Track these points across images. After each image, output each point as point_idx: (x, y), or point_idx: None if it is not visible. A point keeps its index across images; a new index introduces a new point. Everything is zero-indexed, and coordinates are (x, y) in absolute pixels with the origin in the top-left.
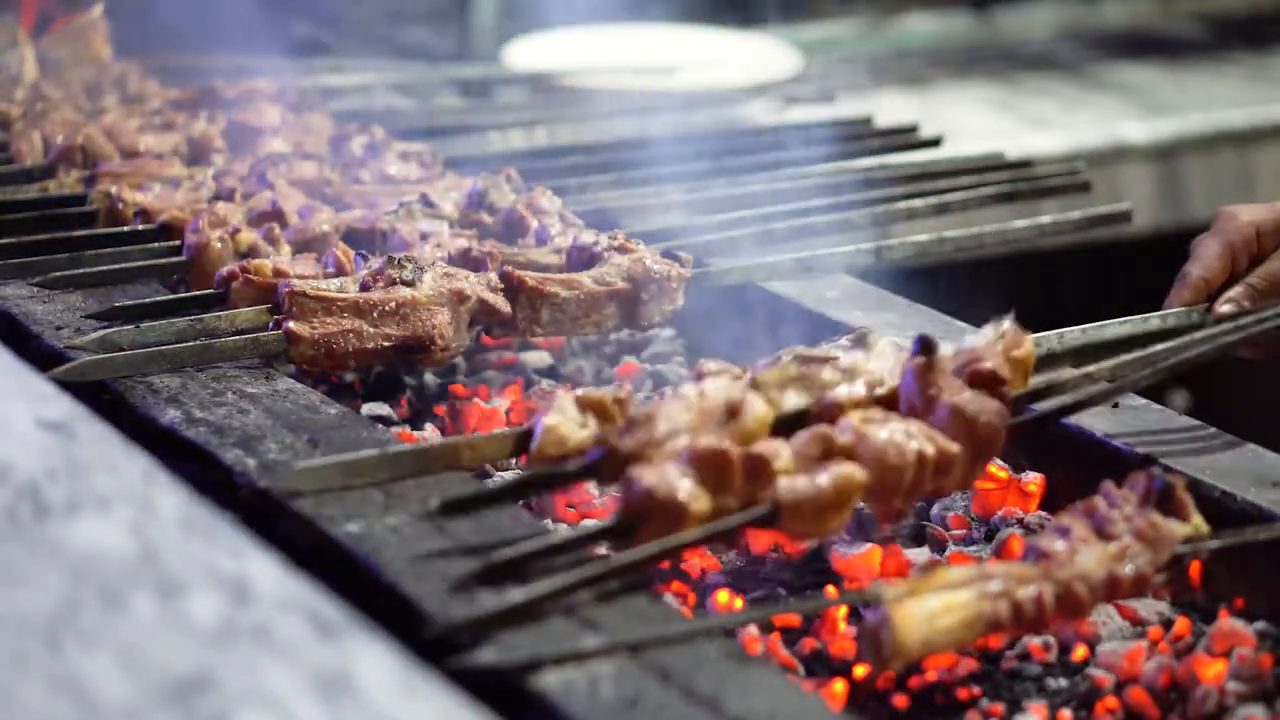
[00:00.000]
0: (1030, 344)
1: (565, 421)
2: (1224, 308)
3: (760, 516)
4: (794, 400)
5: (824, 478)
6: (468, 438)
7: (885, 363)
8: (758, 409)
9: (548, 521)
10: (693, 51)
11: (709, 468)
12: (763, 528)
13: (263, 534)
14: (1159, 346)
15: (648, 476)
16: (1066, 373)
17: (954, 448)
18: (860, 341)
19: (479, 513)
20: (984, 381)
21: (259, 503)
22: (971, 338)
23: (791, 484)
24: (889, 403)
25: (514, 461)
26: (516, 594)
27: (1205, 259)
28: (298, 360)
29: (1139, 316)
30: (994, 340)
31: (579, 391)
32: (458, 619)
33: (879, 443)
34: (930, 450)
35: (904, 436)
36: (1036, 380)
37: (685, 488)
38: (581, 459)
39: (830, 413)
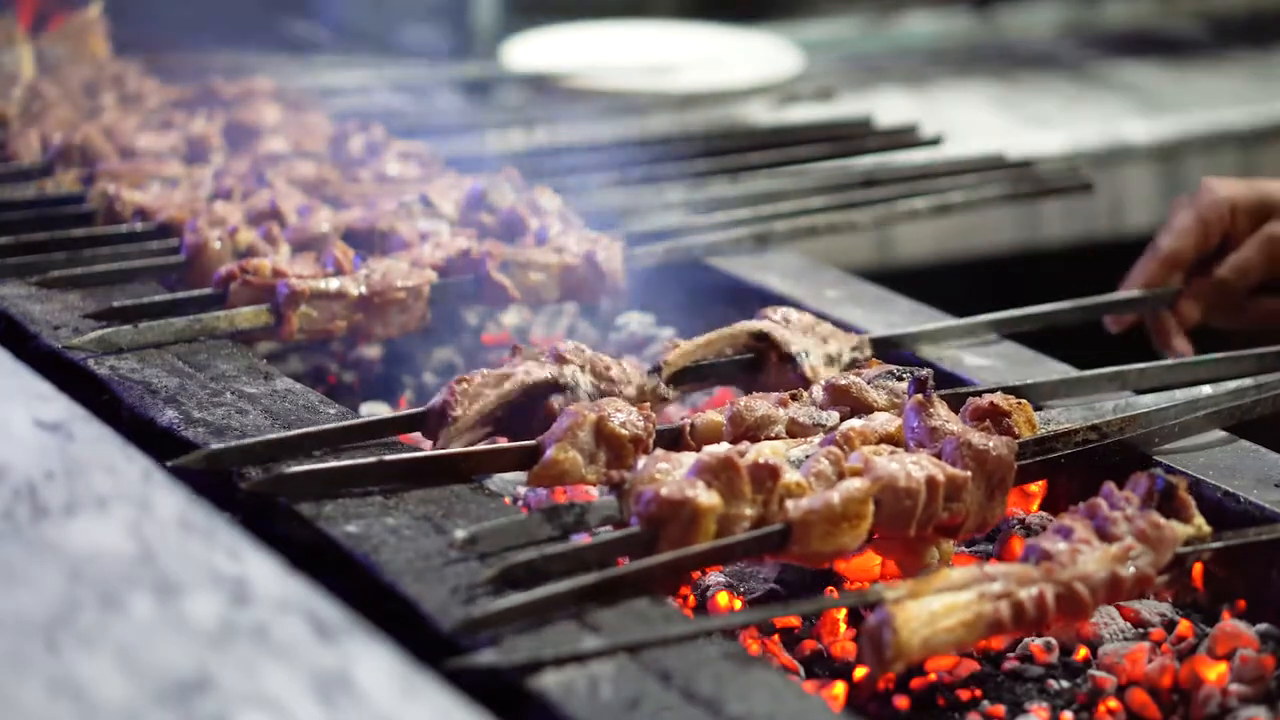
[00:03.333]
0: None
1: (571, 456)
2: (1191, 312)
3: (772, 534)
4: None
5: (834, 493)
6: (464, 451)
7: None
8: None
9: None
10: (693, 51)
11: (717, 474)
12: (776, 549)
13: (262, 534)
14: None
15: (659, 486)
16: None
17: (964, 474)
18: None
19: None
20: (986, 415)
21: (258, 503)
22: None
23: (802, 501)
24: (894, 441)
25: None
26: (524, 596)
27: (1178, 232)
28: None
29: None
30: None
31: (607, 411)
32: (476, 616)
33: (888, 469)
34: (940, 475)
35: (914, 465)
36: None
37: (695, 487)
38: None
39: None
